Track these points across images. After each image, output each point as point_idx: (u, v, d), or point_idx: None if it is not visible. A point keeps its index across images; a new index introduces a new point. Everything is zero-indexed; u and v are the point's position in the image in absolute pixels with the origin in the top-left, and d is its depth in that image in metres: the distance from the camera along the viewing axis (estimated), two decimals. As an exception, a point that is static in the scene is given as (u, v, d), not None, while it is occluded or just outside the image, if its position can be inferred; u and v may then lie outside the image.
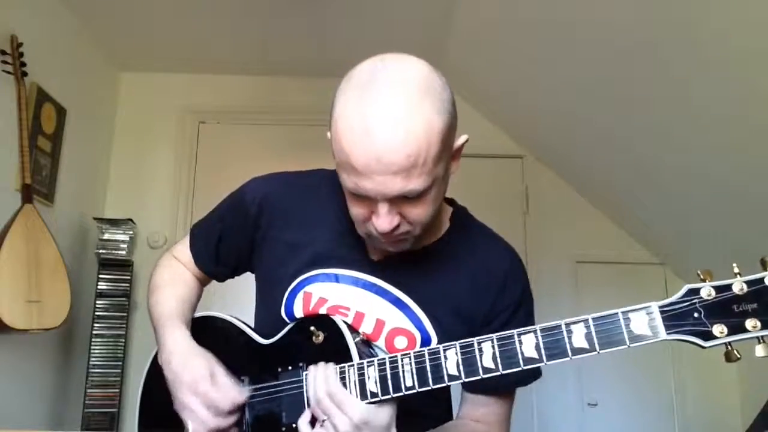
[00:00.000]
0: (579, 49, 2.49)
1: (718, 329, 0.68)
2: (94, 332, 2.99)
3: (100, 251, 3.09)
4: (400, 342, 0.91)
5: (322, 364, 0.83)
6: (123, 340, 3.03)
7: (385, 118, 0.73)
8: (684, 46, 2.06)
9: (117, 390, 2.97)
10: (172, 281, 1.07)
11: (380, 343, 0.92)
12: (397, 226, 0.81)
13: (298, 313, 0.95)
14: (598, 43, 2.38)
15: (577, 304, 3.33)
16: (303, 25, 3.06)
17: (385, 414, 0.79)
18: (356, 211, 0.83)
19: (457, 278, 0.94)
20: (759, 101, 2.00)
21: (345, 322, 0.89)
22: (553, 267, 3.39)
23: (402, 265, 0.93)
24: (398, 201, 0.79)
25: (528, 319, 0.95)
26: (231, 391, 0.88)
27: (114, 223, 3.16)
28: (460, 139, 0.84)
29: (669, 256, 3.35)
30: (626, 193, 3.20)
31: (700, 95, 2.19)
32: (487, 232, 1.01)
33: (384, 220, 0.79)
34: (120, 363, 3.01)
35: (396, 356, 0.79)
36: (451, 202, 1.01)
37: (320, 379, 0.81)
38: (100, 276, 3.06)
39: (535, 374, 0.90)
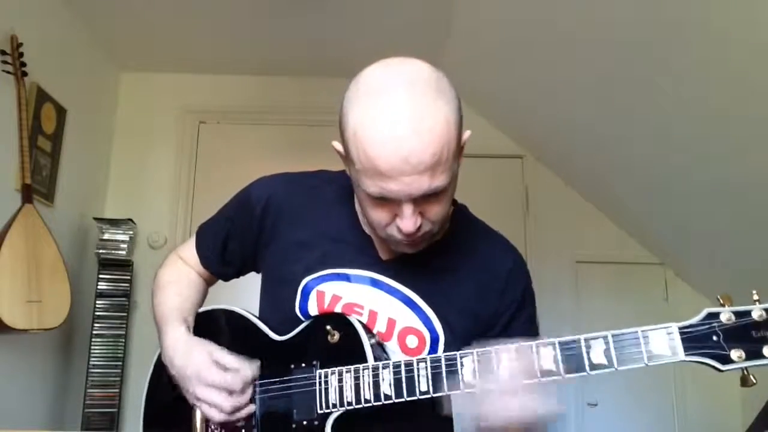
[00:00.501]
0: (579, 49, 2.49)
1: (736, 354, 0.69)
2: (94, 332, 2.99)
3: (100, 251, 3.09)
4: (411, 341, 0.92)
5: None
6: (123, 340, 3.03)
7: (407, 119, 0.74)
8: (683, 46, 2.07)
9: (117, 390, 2.97)
10: (176, 281, 1.07)
11: (392, 342, 0.93)
12: (420, 227, 0.82)
13: (313, 311, 0.95)
14: (597, 43, 2.38)
15: (577, 304, 3.34)
16: (302, 25, 3.06)
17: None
18: (378, 215, 0.84)
19: (463, 277, 0.95)
20: (759, 101, 2.01)
21: (361, 323, 0.89)
22: (553, 267, 3.39)
23: (410, 264, 0.93)
24: (420, 201, 0.80)
25: (530, 319, 0.97)
26: (238, 367, 0.89)
27: (114, 223, 3.16)
28: (466, 134, 0.85)
29: (669, 256, 3.35)
30: (626, 193, 3.20)
31: (700, 95, 2.20)
32: (489, 230, 1.02)
33: (409, 222, 0.80)
34: (120, 363, 3.01)
35: (412, 360, 0.80)
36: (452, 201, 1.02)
37: None
38: (100, 276, 3.05)
39: None
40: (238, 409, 0.89)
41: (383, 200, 0.80)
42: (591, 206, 3.52)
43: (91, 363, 2.97)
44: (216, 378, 0.88)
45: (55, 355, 2.90)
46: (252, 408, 0.91)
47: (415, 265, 0.93)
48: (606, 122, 2.80)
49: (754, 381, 0.69)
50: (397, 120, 0.74)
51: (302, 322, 0.95)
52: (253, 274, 1.09)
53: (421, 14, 2.94)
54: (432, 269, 0.94)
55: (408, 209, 0.79)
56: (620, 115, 2.66)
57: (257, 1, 2.85)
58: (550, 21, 2.47)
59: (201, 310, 1.06)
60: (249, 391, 0.90)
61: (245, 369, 0.89)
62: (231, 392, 0.88)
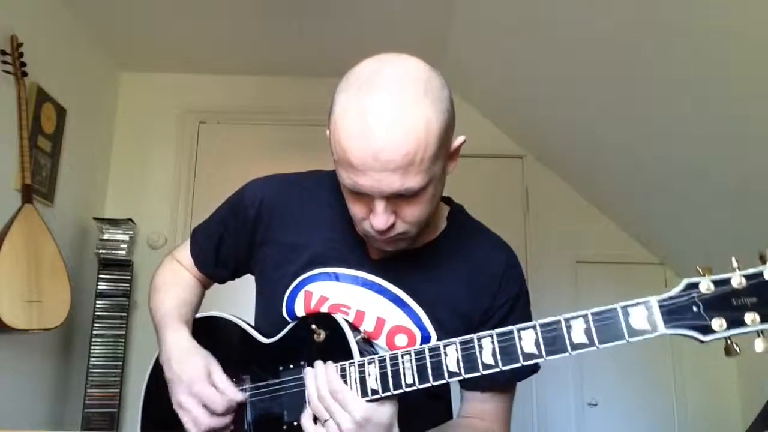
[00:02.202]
0: (579, 49, 2.49)
1: (717, 323, 0.67)
2: (94, 332, 2.99)
3: (100, 251, 3.10)
4: (401, 340, 0.92)
5: (321, 363, 0.83)
6: (123, 340, 3.03)
7: (384, 115, 0.74)
8: (684, 46, 2.07)
9: (117, 390, 2.97)
10: (172, 283, 1.08)
11: (381, 341, 0.93)
12: (393, 226, 0.82)
13: (300, 312, 0.96)
14: (598, 43, 2.38)
15: (577, 304, 3.31)
16: (303, 26, 3.06)
17: (386, 411, 0.80)
18: (354, 209, 0.84)
19: (455, 276, 0.94)
20: (759, 101, 2.00)
21: (346, 320, 0.89)
22: (553, 267, 3.39)
23: (401, 263, 0.93)
24: (394, 199, 0.79)
25: (524, 317, 0.96)
26: (227, 392, 0.89)
27: (114, 223, 3.16)
28: (458, 140, 0.85)
29: (669, 256, 3.35)
30: (626, 192, 3.20)
31: (700, 95, 2.19)
32: (484, 230, 1.02)
33: (380, 219, 0.80)
34: (120, 363, 3.01)
35: (396, 354, 0.80)
36: (447, 200, 1.02)
37: (322, 378, 0.81)
38: (100, 276, 3.05)
39: (533, 368, 0.90)
40: (214, 430, 0.89)
41: (359, 194, 0.80)
42: (591, 206, 3.52)
43: (91, 363, 2.97)
44: (204, 391, 0.88)
45: (55, 355, 2.90)
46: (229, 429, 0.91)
47: (406, 265, 0.93)
48: (606, 122, 2.80)
49: (738, 350, 0.67)
50: (374, 115, 0.74)
51: (289, 323, 0.95)
52: (250, 278, 1.09)
53: (421, 14, 2.94)
54: (423, 268, 0.94)
55: (380, 206, 0.79)
56: (620, 115, 2.66)
57: (257, 1, 2.85)
58: (551, 21, 2.47)
59: None
60: (229, 418, 0.90)
61: (233, 394, 0.89)
62: (213, 411, 0.88)
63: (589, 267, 3.42)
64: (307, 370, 0.84)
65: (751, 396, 3.04)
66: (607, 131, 2.86)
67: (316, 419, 0.82)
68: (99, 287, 3.04)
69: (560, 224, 3.50)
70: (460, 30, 3.00)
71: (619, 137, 2.82)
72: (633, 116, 2.59)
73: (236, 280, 1.13)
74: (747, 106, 2.06)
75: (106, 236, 3.12)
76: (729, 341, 0.68)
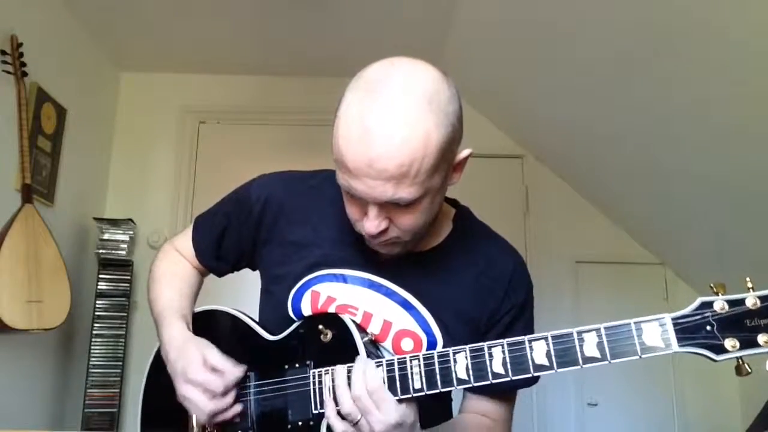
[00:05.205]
0: (579, 49, 2.49)
1: (730, 343, 0.68)
2: (94, 332, 2.99)
3: (100, 251, 3.10)
4: (407, 344, 0.92)
5: (360, 359, 0.81)
6: (123, 340, 3.04)
7: (383, 124, 0.73)
8: (684, 46, 2.06)
9: (117, 390, 2.97)
10: (172, 273, 1.07)
11: (387, 344, 0.92)
12: (386, 231, 0.82)
13: (306, 311, 0.95)
14: (598, 43, 2.38)
15: (577, 304, 3.33)
16: (302, 25, 3.06)
17: (414, 412, 0.79)
18: (350, 209, 0.85)
19: (462, 281, 0.94)
20: (759, 101, 2.00)
21: (353, 321, 0.89)
22: (553, 267, 3.39)
23: (409, 267, 0.93)
24: (388, 206, 0.79)
25: (528, 324, 0.96)
26: (224, 369, 0.88)
27: (114, 223, 3.16)
28: (463, 153, 0.84)
29: (669, 256, 3.35)
30: (626, 193, 3.20)
31: (700, 95, 2.19)
32: (491, 234, 1.01)
33: (371, 224, 0.80)
34: (120, 363, 3.01)
35: (405, 358, 0.79)
36: (453, 202, 1.01)
37: (359, 376, 0.79)
38: (100, 276, 3.06)
39: (535, 378, 0.90)
40: (219, 411, 0.88)
41: (353, 196, 0.80)
42: (591, 206, 3.52)
43: (91, 363, 2.97)
44: (199, 377, 0.88)
45: (55, 355, 2.90)
46: (237, 410, 0.90)
47: (414, 268, 0.93)
48: (606, 122, 2.80)
49: (749, 370, 0.68)
50: (374, 122, 0.73)
51: (295, 322, 0.94)
52: (253, 273, 1.09)
53: (421, 14, 2.94)
54: (430, 272, 0.94)
55: (372, 211, 0.79)
56: (620, 115, 2.66)
57: (257, 1, 2.85)
58: (550, 21, 2.47)
59: (196, 310, 1.06)
60: (232, 395, 0.89)
61: (230, 372, 0.88)
62: (213, 394, 0.87)
63: (589, 267, 3.42)
64: (337, 367, 0.83)
65: (751, 396, 3.04)
66: (607, 131, 2.86)
67: (341, 415, 0.80)
68: (99, 287, 3.04)
69: (560, 224, 3.50)
70: (460, 30, 3.00)
71: (619, 137, 2.82)
72: (633, 116, 2.59)
73: (239, 274, 1.12)
74: (747, 106, 2.06)
75: (106, 236, 3.12)
76: (740, 361, 0.69)
